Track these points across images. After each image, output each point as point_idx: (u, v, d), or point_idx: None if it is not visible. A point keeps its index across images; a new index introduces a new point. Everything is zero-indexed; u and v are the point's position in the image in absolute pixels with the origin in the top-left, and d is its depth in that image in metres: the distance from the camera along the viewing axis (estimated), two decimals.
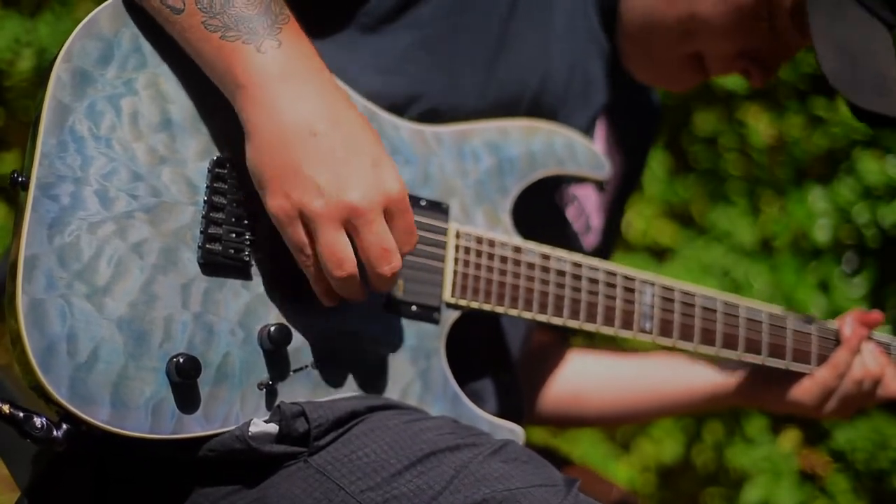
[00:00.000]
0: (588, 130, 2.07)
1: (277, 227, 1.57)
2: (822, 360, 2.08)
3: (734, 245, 3.92)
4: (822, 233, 3.85)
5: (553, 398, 2.32)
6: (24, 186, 1.48)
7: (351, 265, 1.56)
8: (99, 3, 1.58)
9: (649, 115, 2.35)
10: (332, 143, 1.54)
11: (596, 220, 2.21)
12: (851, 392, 2.07)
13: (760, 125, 4.01)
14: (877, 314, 2.11)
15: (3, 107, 3.89)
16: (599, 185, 2.18)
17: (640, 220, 4.00)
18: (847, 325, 2.08)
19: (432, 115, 1.83)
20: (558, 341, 2.35)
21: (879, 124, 1.90)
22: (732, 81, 3.82)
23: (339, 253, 1.55)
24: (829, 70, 1.83)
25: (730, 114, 4.04)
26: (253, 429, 1.57)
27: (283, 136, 1.53)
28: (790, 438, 3.97)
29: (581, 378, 2.33)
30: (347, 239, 1.55)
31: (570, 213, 2.13)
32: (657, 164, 3.96)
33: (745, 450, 3.88)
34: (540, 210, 1.97)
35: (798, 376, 2.09)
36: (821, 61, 1.83)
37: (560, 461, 2.15)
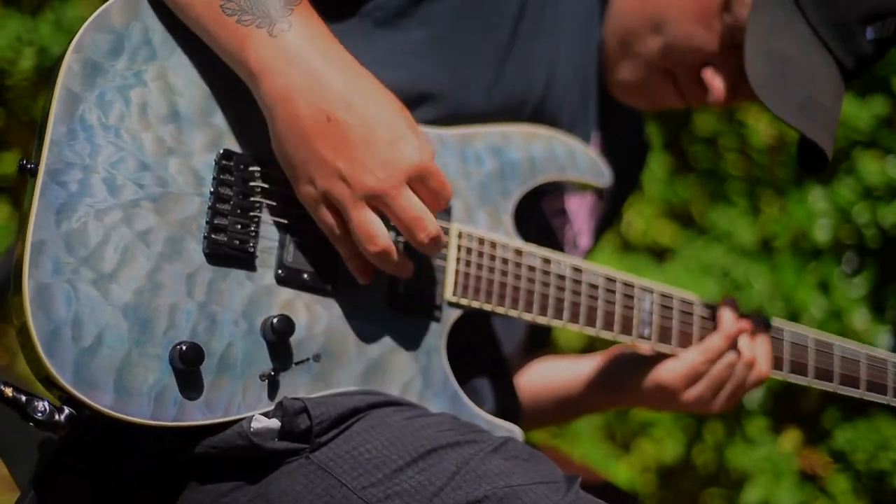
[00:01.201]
0: (585, 141, 2.08)
1: (309, 211, 1.61)
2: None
3: (734, 245, 3.92)
4: (822, 233, 3.85)
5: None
6: (33, 173, 1.49)
7: (383, 239, 1.59)
8: (99, 3, 1.59)
9: (638, 148, 2.36)
10: (346, 128, 1.56)
11: (584, 241, 2.21)
12: (722, 376, 1.96)
13: (760, 125, 4.02)
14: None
15: (3, 107, 3.89)
16: (599, 193, 2.19)
17: (640, 221, 4.01)
18: (726, 311, 1.98)
19: (438, 113, 1.84)
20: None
21: (804, 155, 1.87)
22: None
23: (370, 229, 1.59)
24: (751, 72, 1.81)
25: (730, 114, 4.04)
26: (255, 425, 1.57)
27: (299, 124, 1.55)
28: (791, 439, 3.97)
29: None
30: (376, 216, 1.59)
31: (557, 223, 2.14)
32: (657, 165, 3.96)
33: (746, 450, 3.88)
34: (532, 221, 1.99)
35: (663, 360, 1.99)
36: (746, 63, 1.81)
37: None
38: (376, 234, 1.59)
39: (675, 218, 4.07)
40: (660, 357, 1.99)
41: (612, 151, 2.19)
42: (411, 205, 1.60)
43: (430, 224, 1.61)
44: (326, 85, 1.55)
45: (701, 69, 1.97)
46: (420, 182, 1.60)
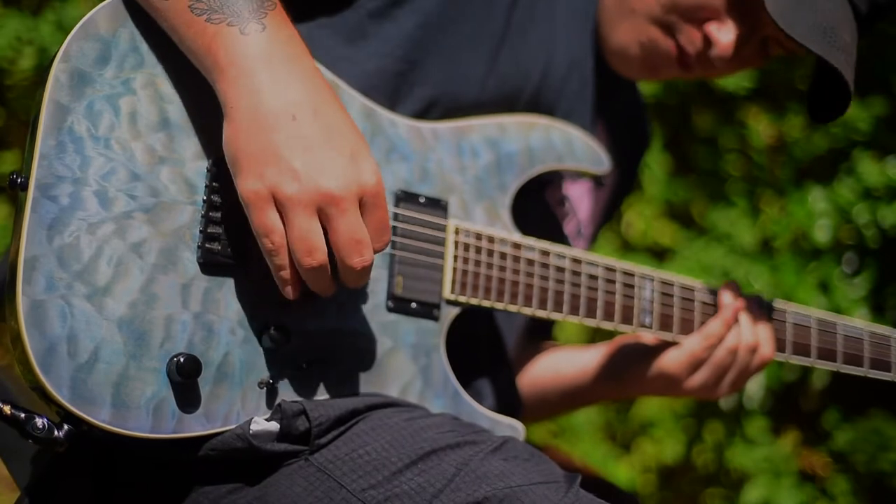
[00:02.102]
0: (586, 129, 2.07)
1: (246, 212, 1.53)
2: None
3: (734, 245, 3.92)
4: (822, 233, 3.85)
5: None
6: (24, 187, 1.48)
7: (321, 254, 1.52)
8: (98, 3, 1.58)
9: (640, 138, 2.35)
10: (311, 129, 1.51)
11: (587, 229, 2.21)
12: (724, 362, 1.95)
13: (760, 125, 4.02)
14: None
15: (3, 106, 3.89)
16: (598, 180, 2.18)
17: (640, 221, 4.01)
18: (726, 294, 1.97)
19: (433, 104, 1.83)
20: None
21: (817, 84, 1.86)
22: (733, 82, 3.83)
23: (311, 240, 1.51)
24: (773, 6, 1.78)
25: (730, 114, 4.04)
26: (254, 427, 1.56)
27: (263, 118, 1.50)
28: (790, 439, 3.97)
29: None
30: (320, 227, 1.52)
31: (561, 213, 2.13)
32: (657, 165, 3.96)
33: (746, 450, 3.88)
34: (533, 210, 1.97)
35: (666, 349, 1.98)
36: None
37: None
38: (316, 246, 1.52)
39: (675, 218, 4.07)
40: (663, 346, 1.98)
41: (613, 137, 2.18)
42: (357, 225, 1.53)
43: (367, 252, 1.54)
44: (295, 87, 1.53)
45: (703, 24, 1.93)
46: (368, 209, 1.55)
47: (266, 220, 1.51)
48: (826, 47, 1.79)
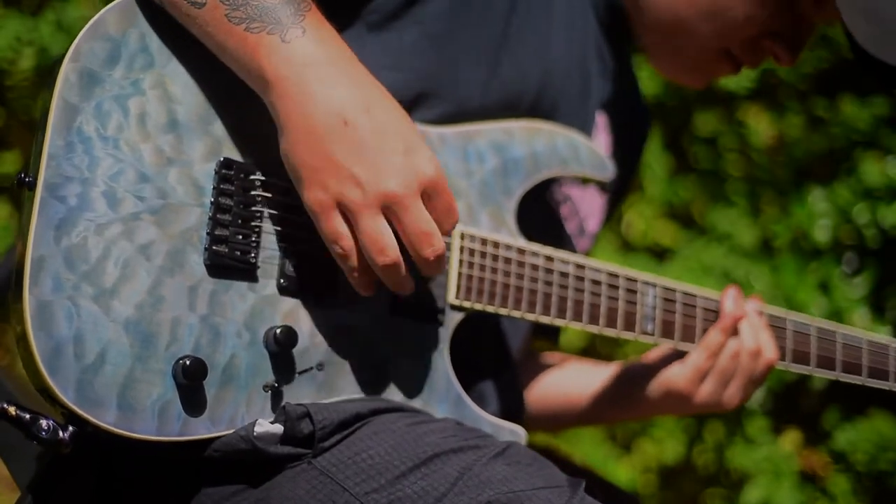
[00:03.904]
0: (586, 129, 2.07)
1: (314, 220, 1.57)
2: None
3: (734, 246, 3.92)
4: (822, 233, 3.85)
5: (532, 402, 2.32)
6: (31, 187, 1.47)
7: (394, 251, 1.56)
8: (100, 4, 1.57)
9: (641, 121, 2.36)
10: (364, 132, 1.53)
11: (592, 225, 2.21)
12: (728, 369, 1.96)
13: (760, 125, 4.02)
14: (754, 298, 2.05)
15: (3, 106, 3.88)
16: (602, 186, 2.19)
17: (640, 221, 4.00)
18: (727, 301, 1.98)
19: (437, 112, 1.83)
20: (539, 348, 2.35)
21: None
22: (733, 82, 3.83)
23: (382, 240, 1.55)
24: (861, 38, 1.82)
25: (730, 114, 4.04)
26: (258, 429, 1.56)
27: (316, 127, 1.52)
28: (791, 439, 3.97)
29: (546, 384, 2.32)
30: (388, 226, 1.56)
31: (563, 212, 2.14)
32: (657, 165, 3.96)
33: (746, 450, 3.88)
34: (535, 211, 1.98)
35: (670, 364, 2.01)
36: (851, 30, 1.82)
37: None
38: (388, 244, 1.56)
39: (675, 218, 4.07)
40: (666, 363, 1.99)
41: (616, 125, 2.19)
42: (423, 217, 1.57)
43: (437, 241, 1.59)
44: (343, 87, 1.54)
45: (759, 39, 1.98)
46: (431, 197, 1.58)
47: (334, 227, 1.56)
48: None
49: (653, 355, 2.04)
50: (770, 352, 1.97)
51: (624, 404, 2.12)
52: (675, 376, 1.98)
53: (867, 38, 1.83)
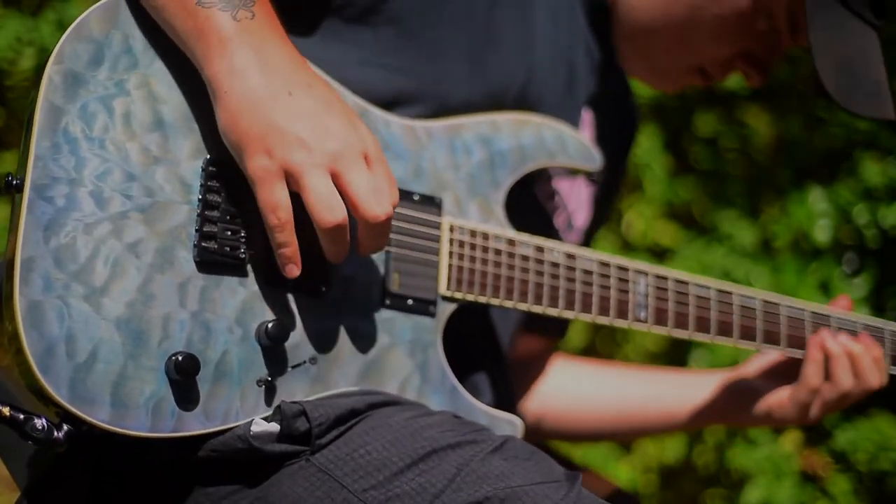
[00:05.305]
0: (572, 123, 2.07)
1: (255, 189, 1.54)
2: None
3: (735, 246, 3.92)
4: (822, 233, 3.85)
5: (539, 411, 2.32)
6: (19, 189, 1.48)
7: (342, 211, 1.54)
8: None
9: (629, 119, 2.36)
10: (308, 101, 1.54)
11: (580, 220, 2.21)
12: (831, 394, 2.05)
13: (760, 125, 4.01)
14: (843, 300, 2.14)
15: (3, 107, 3.89)
16: (590, 176, 2.19)
17: (640, 221, 4.00)
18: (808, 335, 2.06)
19: (420, 110, 1.83)
20: (544, 352, 2.35)
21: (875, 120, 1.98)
22: (733, 82, 3.82)
23: (330, 199, 1.53)
24: (832, 88, 1.89)
25: (730, 114, 4.04)
26: (255, 428, 1.57)
27: (260, 96, 1.52)
28: (791, 439, 3.96)
29: (569, 393, 2.34)
30: (334, 186, 1.54)
31: (551, 207, 2.14)
32: (657, 165, 3.96)
33: (747, 450, 3.88)
34: (524, 206, 1.98)
35: (770, 389, 2.11)
36: (824, 80, 1.89)
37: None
38: (336, 203, 1.53)
39: (675, 218, 4.07)
40: (769, 382, 2.13)
41: (603, 122, 2.20)
42: (371, 177, 1.55)
43: (387, 202, 1.57)
44: (287, 68, 1.55)
45: (731, 59, 2.06)
46: (374, 166, 1.57)
47: (273, 196, 1.53)
48: (881, 109, 1.96)
49: (754, 370, 2.17)
50: (875, 378, 2.09)
51: (729, 416, 2.23)
52: (782, 410, 2.10)
53: (838, 88, 1.89)
